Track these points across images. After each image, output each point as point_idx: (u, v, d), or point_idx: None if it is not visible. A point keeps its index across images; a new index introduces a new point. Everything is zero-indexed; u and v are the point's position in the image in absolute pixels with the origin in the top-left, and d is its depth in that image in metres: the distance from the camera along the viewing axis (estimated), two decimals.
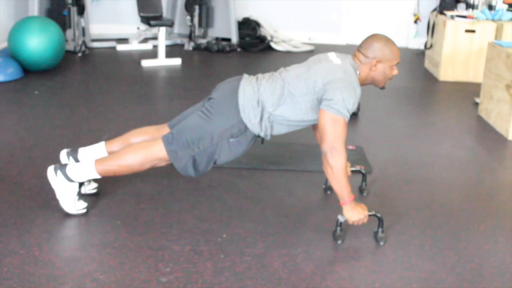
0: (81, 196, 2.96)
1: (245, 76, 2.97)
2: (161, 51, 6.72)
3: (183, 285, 2.38)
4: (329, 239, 2.82)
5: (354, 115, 3.59)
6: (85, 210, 2.93)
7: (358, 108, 4.75)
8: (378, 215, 2.81)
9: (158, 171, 2.95)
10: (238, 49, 7.78)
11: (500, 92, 4.69)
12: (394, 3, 8.45)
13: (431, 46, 6.90)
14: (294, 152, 3.89)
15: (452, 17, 6.46)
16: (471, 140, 4.55)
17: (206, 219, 2.97)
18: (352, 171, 3.37)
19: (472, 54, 6.35)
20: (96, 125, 4.40)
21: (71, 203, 2.89)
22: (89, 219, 2.91)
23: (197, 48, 7.68)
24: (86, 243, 2.72)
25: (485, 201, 3.40)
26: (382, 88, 3.00)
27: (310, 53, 7.87)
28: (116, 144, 3.11)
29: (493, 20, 6.39)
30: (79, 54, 6.84)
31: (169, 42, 7.67)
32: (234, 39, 7.85)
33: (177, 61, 6.79)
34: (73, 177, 2.86)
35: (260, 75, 2.95)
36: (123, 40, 7.75)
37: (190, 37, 7.72)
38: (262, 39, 7.94)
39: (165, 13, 7.94)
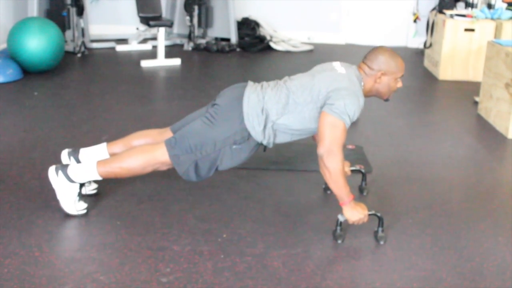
0: (81, 196, 2.96)
1: (250, 83, 2.98)
2: (161, 51, 6.72)
3: (184, 285, 2.38)
4: (329, 238, 2.82)
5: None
6: (85, 211, 2.93)
7: None
8: (378, 214, 2.81)
9: (158, 171, 2.96)
10: (238, 49, 7.78)
11: (499, 91, 4.69)
12: (394, 2, 8.44)
13: (430, 45, 6.90)
14: (294, 152, 3.89)
15: (451, 16, 6.46)
16: (470, 139, 4.55)
17: (206, 219, 2.97)
18: (352, 171, 3.37)
19: (471, 53, 6.35)
20: (95, 125, 4.40)
21: (72, 204, 2.89)
22: (89, 220, 2.91)
23: (197, 48, 7.68)
24: (86, 243, 2.72)
25: (485, 200, 3.40)
26: (386, 100, 3.02)
27: (309, 52, 7.88)
28: (118, 146, 3.11)
29: (492, 18, 6.39)
30: (79, 55, 6.84)
31: (168, 43, 7.66)
32: (234, 39, 7.84)
33: (176, 62, 6.79)
34: (74, 178, 2.86)
35: (265, 83, 2.96)
36: (123, 41, 7.75)
37: (190, 37, 7.72)
38: (262, 39, 7.94)
39: (164, 13, 7.94)
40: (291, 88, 2.85)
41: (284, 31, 8.28)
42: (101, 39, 7.75)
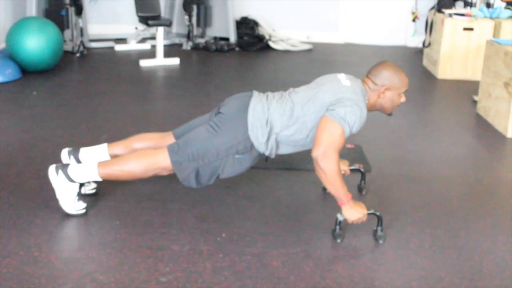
0: (81, 196, 2.96)
1: (255, 93, 2.99)
2: (160, 51, 6.72)
3: (183, 285, 2.38)
4: (328, 238, 2.82)
5: None
6: (84, 211, 2.93)
7: None
8: (377, 213, 2.81)
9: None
10: (236, 49, 7.78)
11: (498, 89, 4.69)
12: (393, 1, 8.44)
13: (429, 44, 6.90)
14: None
15: (450, 15, 6.46)
16: (469, 138, 4.55)
17: (205, 218, 2.97)
18: (351, 170, 3.37)
19: (470, 52, 6.35)
20: (94, 125, 4.40)
21: (71, 203, 2.89)
22: (88, 220, 2.91)
23: (195, 47, 7.68)
24: (85, 243, 2.72)
25: (484, 199, 3.40)
26: (390, 115, 3.04)
27: (308, 52, 7.87)
28: (119, 147, 3.12)
29: (491, 18, 6.39)
30: (77, 55, 6.83)
31: (167, 42, 7.66)
32: (232, 38, 7.84)
33: (175, 61, 6.79)
34: (74, 178, 2.86)
35: (270, 94, 2.97)
36: (121, 40, 7.75)
37: (188, 36, 7.72)
38: (260, 38, 7.94)
39: (163, 13, 7.93)
40: (295, 101, 2.87)
41: (283, 31, 8.28)
42: (100, 38, 7.74)
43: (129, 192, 3.20)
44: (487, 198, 3.43)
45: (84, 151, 3.12)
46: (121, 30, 8.00)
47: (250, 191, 3.32)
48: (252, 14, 8.22)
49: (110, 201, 3.10)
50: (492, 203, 3.35)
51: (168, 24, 6.97)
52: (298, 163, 3.71)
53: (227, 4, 7.81)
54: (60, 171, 2.85)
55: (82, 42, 6.90)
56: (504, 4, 6.61)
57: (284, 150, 2.93)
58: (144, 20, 6.84)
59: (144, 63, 6.62)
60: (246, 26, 8.03)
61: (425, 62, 7.10)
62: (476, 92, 5.37)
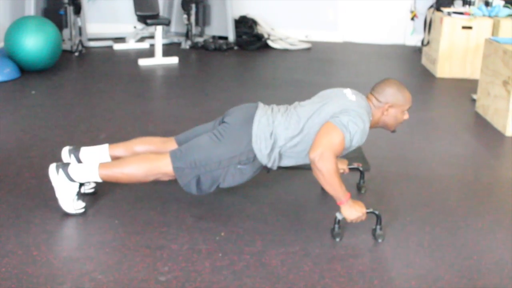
0: (80, 195, 2.95)
1: (261, 105, 2.99)
2: (158, 50, 6.72)
3: (182, 284, 2.38)
4: (327, 236, 2.82)
5: None
6: (83, 210, 2.93)
7: None
8: (376, 212, 2.81)
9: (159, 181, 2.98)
10: (235, 47, 7.78)
11: (497, 88, 4.70)
12: (391, 0, 8.44)
13: (428, 43, 6.90)
14: None
15: (449, 13, 6.47)
16: (468, 136, 4.55)
17: (204, 217, 2.96)
18: (350, 169, 3.37)
19: (469, 50, 6.35)
20: (93, 124, 4.40)
21: (70, 203, 2.89)
22: (87, 219, 2.91)
23: (194, 46, 7.68)
24: (84, 242, 2.72)
25: (483, 198, 3.40)
26: (393, 131, 3.05)
27: (307, 51, 7.87)
28: (120, 149, 3.12)
29: (489, 16, 6.40)
30: (76, 54, 6.83)
31: (166, 41, 7.66)
32: (231, 37, 7.84)
33: (174, 60, 6.79)
34: (74, 177, 2.86)
35: (275, 107, 2.98)
36: (120, 39, 7.74)
37: (187, 35, 7.71)
38: (259, 37, 7.94)
39: (162, 11, 7.93)
40: (301, 114, 2.87)
41: (282, 29, 8.28)
42: (99, 37, 7.74)
43: (128, 191, 3.20)
44: (486, 196, 3.43)
45: (84, 151, 3.11)
46: (120, 29, 7.99)
47: (249, 190, 3.32)
48: (251, 13, 8.22)
49: (109, 201, 3.10)
50: (491, 202, 3.35)
51: (166, 23, 6.97)
52: None
53: (225, 3, 7.80)
54: (60, 170, 2.85)
55: (80, 41, 6.89)
56: (502, 2, 6.61)
57: (287, 162, 2.94)
58: (142, 19, 6.83)
59: (142, 62, 6.61)
60: (245, 25, 8.03)
61: (424, 61, 7.10)
62: (475, 90, 5.37)
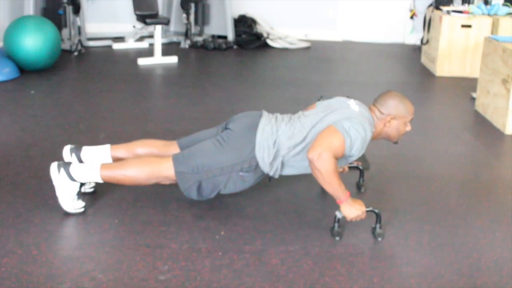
0: (80, 195, 2.95)
1: (265, 113, 3.00)
2: (157, 49, 6.72)
3: (181, 283, 2.38)
4: (327, 235, 2.82)
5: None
6: (83, 209, 2.93)
7: None
8: (376, 211, 2.81)
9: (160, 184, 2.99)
10: (235, 47, 7.78)
11: (496, 86, 4.70)
12: None
13: (427, 41, 6.90)
14: None
15: (448, 12, 6.47)
16: (468, 135, 4.55)
17: (204, 216, 2.97)
18: (350, 167, 3.37)
19: (468, 49, 6.35)
20: (93, 124, 4.40)
21: (70, 202, 2.89)
22: (86, 218, 2.91)
23: (193, 46, 7.67)
24: (84, 242, 2.72)
25: (482, 196, 3.40)
26: (395, 143, 3.05)
27: (306, 49, 7.87)
28: (121, 150, 3.12)
29: (489, 15, 6.40)
30: (75, 53, 6.83)
31: (165, 40, 7.65)
32: (230, 36, 7.84)
33: (173, 59, 6.79)
34: (75, 177, 2.86)
35: (279, 116, 2.99)
36: (119, 39, 7.74)
37: (186, 35, 7.71)
38: (259, 36, 7.94)
39: (161, 11, 7.93)
40: (305, 124, 2.87)
41: (281, 28, 8.28)
42: (98, 37, 7.73)
43: (128, 191, 3.19)
44: (485, 195, 3.43)
45: (86, 150, 3.11)
46: (119, 29, 7.98)
47: (249, 189, 3.31)
48: (250, 12, 8.21)
49: (109, 200, 3.10)
50: (491, 200, 3.36)
51: (166, 22, 6.96)
52: None
53: (225, 2, 7.80)
54: (62, 169, 2.85)
55: (80, 41, 6.89)
56: (502, 1, 6.61)
57: (289, 171, 2.95)
58: (142, 18, 6.83)
59: (142, 61, 6.61)
60: (244, 24, 8.03)
61: (423, 60, 7.10)
62: (474, 89, 5.38)
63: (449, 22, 6.34)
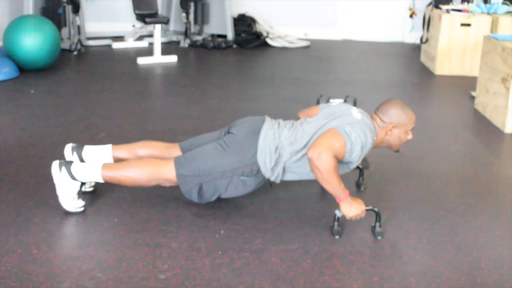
0: (80, 194, 2.95)
1: (268, 119, 3.02)
2: (157, 48, 6.72)
3: (181, 282, 2.39)
4: (326, 234, 2.82)
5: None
6: (83, 209, 2.93)
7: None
8: (376, 209, 2.81)
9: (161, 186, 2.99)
10: (234, 46, 7.78)
11: (496, 85, 4.70)
12: None
13: (426, 40, 6.90)
14: None
15: (447, 11, 6.46)
16: (467, 133, 4.56)
17: (203, 215, 2.97)
18: None
19: (468, 47, 6.35)
20: (92, 123, 4.40)
21: (70, 201, 2.89)
22: (86, 217, 2.91)
23: (193, 45, 7.67)
24: (84, 241, 2.72)
25: (482, 195, 3.41)
26: (397, 151, 3.07)
27: (306, 48, 7.87)
28: (123, 151, 3.13)
29: (488, 13, 6.40)
30: (75, 53, 6.83)
31: (164, 40, 7.66)
32: (230, 35, 7.84)
33: (173, 58, 6.79)
34: (77, 176, 2.87)
35: (281, 122, 3.00)
36: (119, 38, 7.74)
37: (186, 34, 7.71)
38: (258, 35, 7.94)
39: (160, 10, 7.92)
40: (307, 130, 2.88)
41: (281, 27, 8.28)
42: (97, 36, 7.74)
43: (128, 190, 3.19)
44: (485, 193, 3.43)
45: (88, 150, 3.12)
46: (119, 28, 7.98)
47: None
48: (250, 11, 8.21)
49: (109, 199, 3.10)
50: (490, 199, 3.36)
51: (165, 21, 6.97)
52: None
53: (224, 1, 7.80)
54: (63, 168, 2.86)
55: (79, 40, 6.89)
56: None
57: (290, 177, 2.95)
58: (141, 17, 6.83)
59: (141, 60, 6.61)
60: (243, 23, 8.02)
61: (423, 58, 7.10)
62: (473, 88, 5.38)
63: (448, 21, 6.34)
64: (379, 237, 2.81)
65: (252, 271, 2.49)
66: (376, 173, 3.61)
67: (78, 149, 3.11)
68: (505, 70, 4.55)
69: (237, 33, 7.91)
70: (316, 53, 7.65)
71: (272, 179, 2.91)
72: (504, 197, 3.36)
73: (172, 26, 8.24)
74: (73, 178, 2.86)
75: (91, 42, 7.41)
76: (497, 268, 2.60)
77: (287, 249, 2.67)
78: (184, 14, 7.72)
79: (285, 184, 3.36)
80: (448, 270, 2.56)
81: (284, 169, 2.89)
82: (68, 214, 2.90)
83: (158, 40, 6.73)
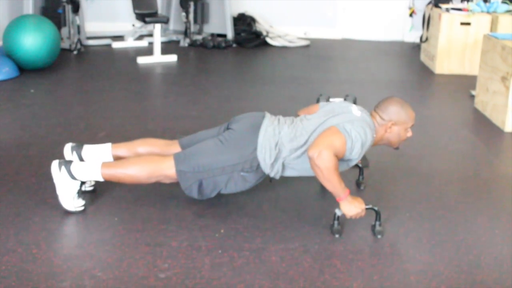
0: (80, 193, 2.96)
1: (268, 115, 3.02)
2: (157, 48, 6.72)
3: (181, 281, 2.39)
4: (326, 233, 2.82)
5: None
6: (83, 208, 2.93)
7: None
8: (376, 208, 2.81)
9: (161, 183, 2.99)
10: (234, 45, 7.78)
11: (496, 84, 4.70)
12: None
13: (426, 39, 6.90)
14: None
15: (447, 10, 6.46)
16: (467, 132, 4.56)
17: (203, 214, 2.97)
18: None
19: (467, 46, 6.35)
20: (92, 122, 4.40)
21: (70, 200, 2.89)
22: (86, 216, 2.91)
23: (193, 44, 7.67)
24: (84, 240, 2.73)
25: (482, 193, 3.41)
26: (396, 148, 3.07)
27: (306, 48, 7.87)
28: (122, 149, 3.13)
29: (488, 12, 6.40)
30: (75, 52, 6.83)
31: (164, 39, 7.65)
32: (230, 35, 7.84)
33: (172, 58, 6.79)
34: (76, 175, 2.87)
35: (281, 118, 3.00)
36: (119, 38, 7.73)
37: (186, 33, 7.71)
38: (258, 35, 7.93)
39: (160, 9, 7.92)
40: (307, 127, 2.88)
41: (280, 27, 8.27)
42: (97, 36, 7.73)
43: (128, 189, 3.20)
44: (485, 192, 3.43)
45: (87, 149, 3.12)
46: (118, 28, 7.98)
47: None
48: (249, 11, 8.21)
49: (109, 198, 3.11)
50: (490, 198, 3.36)
51: (165, 21, 6.97)
52: None
53: (224, 1, 7.80)
54: (63, 167, 2.86)
55: (79, 40, 6.89)
56: None
57: (289, 173, 2.96)
58: (141, 17, 6.83)
59: (141, 60, 6.61)
60: (243, 22, 8.02)
61: (423, 57, 7.10)
62: (473, 86, 5.38)
63: (448, 20, 6.34)
64: (379, 236, 2.81)
65: (252, 270, 2.49)
66: (376, 172, 3.61)
67: (78, 148, 3.12)
68: (504, 69, 4.55)
69: (237, 32, 7.91)
70: (316, 52, 7.65)
71: (272, 175, 2.91)
72: (504, 196, 3.36)
73: (172, 26, 8.24)
74: (73, 177, 2.87)
75: (91, 42, 7.41)
76: (497, 266, 2.60)
77: (287, 248, 2.68)
78: (183, 14, 7.71)
79: (285, 183, 3.36)
80: (448, 269, 2.56)
81: (283, 165, 2.89)
82: (68, 213, 2.90)
83: (158, 40, 6.73)
